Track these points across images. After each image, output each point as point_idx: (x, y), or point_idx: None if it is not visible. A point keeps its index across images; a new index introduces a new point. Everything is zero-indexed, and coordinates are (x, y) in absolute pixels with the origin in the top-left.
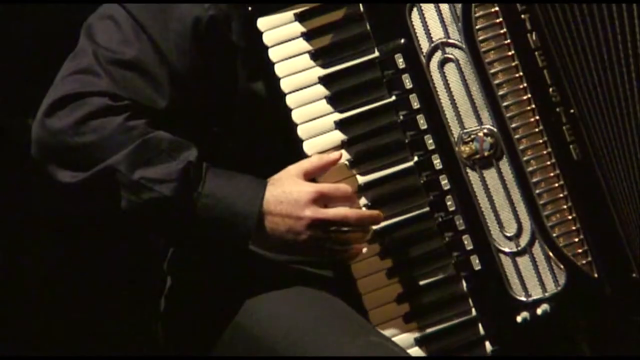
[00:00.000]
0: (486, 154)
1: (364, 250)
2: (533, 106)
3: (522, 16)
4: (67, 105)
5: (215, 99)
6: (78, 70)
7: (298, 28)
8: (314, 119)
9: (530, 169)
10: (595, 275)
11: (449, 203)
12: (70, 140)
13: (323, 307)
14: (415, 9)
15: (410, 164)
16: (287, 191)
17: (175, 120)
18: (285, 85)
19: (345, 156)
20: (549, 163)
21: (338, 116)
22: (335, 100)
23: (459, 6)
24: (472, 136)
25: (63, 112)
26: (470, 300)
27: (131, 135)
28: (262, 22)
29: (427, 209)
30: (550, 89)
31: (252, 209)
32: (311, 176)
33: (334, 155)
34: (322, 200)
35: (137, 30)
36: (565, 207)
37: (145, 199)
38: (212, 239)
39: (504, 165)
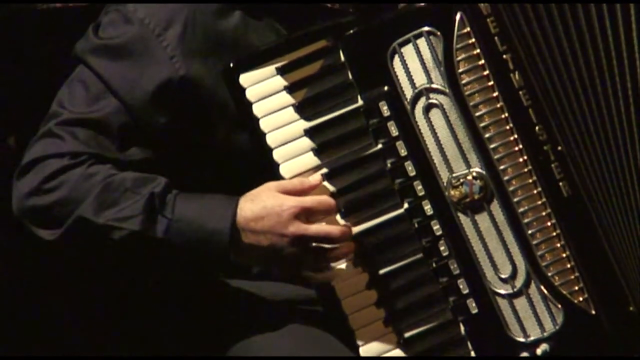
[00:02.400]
0: (476, 197)
1: (344, 267)
2: (520, 146)
3: (504, 56)
4: (31, 170)
5: (190, 153)
6: (44, 134)
7: (280, 82)
8: (302, 172)
9: (522, 209)
10: (593, 311)
11: (442, 248)
12: (38, 201)
13: (316, 345)
14: (396, 56)
15: (401, 211)
16: (269, 206)
17: (145, 167)
18: (271, 140)
19: (338, 222)
20: (539, 202)
21: (325, 169)
22: (322, 152)
23: (440, 51)
24: (461, 180)
25: (28, 176)
26: (469, 344)
27: (94, 182)
28: (245, 78)
29: (420, 255)
30: (537, 128)
31: (224, 225)
32: (289, 194)
33: (315, 180)
34: (304, 214)
35: (105, 91)
36: (558, 245)
37: (117, 238)
38: (193, 261)
39: (495, 207)
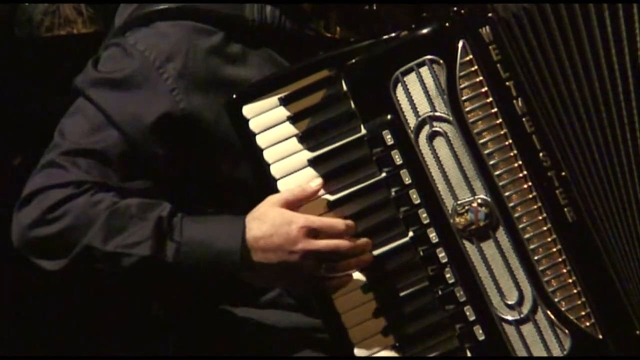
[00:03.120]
0: (482, 224)
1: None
2: (525, 172)
3: (507, 83)
4: (32, 200)
5: (193, 184)
6: (46, 164)
7: (283, 112)
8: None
9: (527, 235)
10: (600, 336)
11: (448, 275)
12: (42, 232)
13: None
14: (399, 85)
15: (406, 239)
16: (277, 224)
17: (148, 195)
18: (275, 170)
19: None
20: (545, 228)
21: (330, 197)
22: (327, 182)
23: (443, 79)
24: (467, 207)
25: (30, 207)
26: None
27: (99, 209)
28: (248, 109)
29: (426, 283)
30: (540, 154)
31: (234, 244)
32: (293, 207)
33: (316, 185)
34: (313, 232)
35: (106, 122)
36: (564, 270)
37: (127, 265)
38: (204, 281)
39: (500, 233)
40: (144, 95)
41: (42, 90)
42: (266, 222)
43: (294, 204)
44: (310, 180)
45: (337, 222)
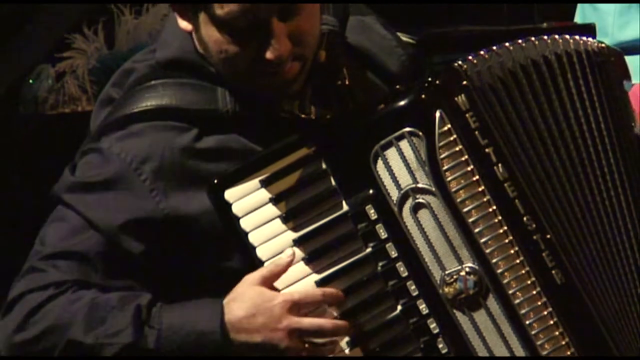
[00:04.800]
0: (471, 292)
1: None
2: (510, 238)
3: (486, 150)
4: (14, 306)
5: (178, 277)
6: (26, 270)
7: (265, 194)
8: (295, 282)
9: (517, 300)
10: None
11: (440, 346)
12: (26, 335)
13: None
14: (379, 159)
15: (397, 312)
16: (258, 303)
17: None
18: (261, 252)
19: (331, 313)
20: (534, 292)
21: (317, 277)
22: (313, 261)
23: (423, 150)
24: (455, 277)
25: (12, 313)
26: None
27: (80, 305)
28: (230, 194)
29: (419, 354)
30: (525, 218)
31: (214, 324)
32: (270, 283)
33: (288, 256)
34: (295, 306)
35: (85, 225)
36: (557, 333)
37: (111, 354)
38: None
39: (491, 300)
40: (123, 197)
41: (46, 168)
42: (246, 301)
43: (271, 280)
44: (297, 260)
45: (315, 292)
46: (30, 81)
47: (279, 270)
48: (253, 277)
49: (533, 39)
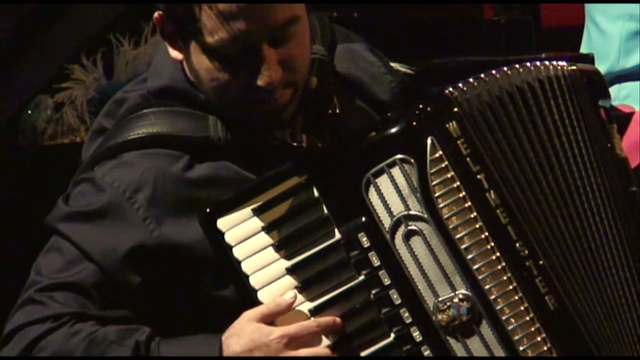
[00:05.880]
0: (464, 319)
1: None
2: (503, 264)
3: (478, 176)
4: (12, 339)
5: (174, 306)
6: (23, 302)
7: (258, 223)
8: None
9: (511, 327)
10: None
11: None
12: None
13: None
14: (371, 186)
15: (390, 339)
16: (256, 339)
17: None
18: (254, 281)
19: (324, 342)
20: (527, 318)
21: (311, 305)
22: (306, 289)
23: (415, 177)
24: (448, 303)
25: (9, 346)
26: None
27: (78, 339)
28: (222, 223)
29: None
30: (517, 244)
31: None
32: (269, 320)
33: (290, 298)
34: (293, 343)
35: (80, 255)
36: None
37: None
38: None
39: (484, 327)
40: (117, 226)
41: (45, 198)
42: (244, 337)
43: (270, 318)
44: (290, 288)
45: (310, 324)
46: (29, 112)
47: (279, 310)
48: (252, 314)
49: (517, 66)
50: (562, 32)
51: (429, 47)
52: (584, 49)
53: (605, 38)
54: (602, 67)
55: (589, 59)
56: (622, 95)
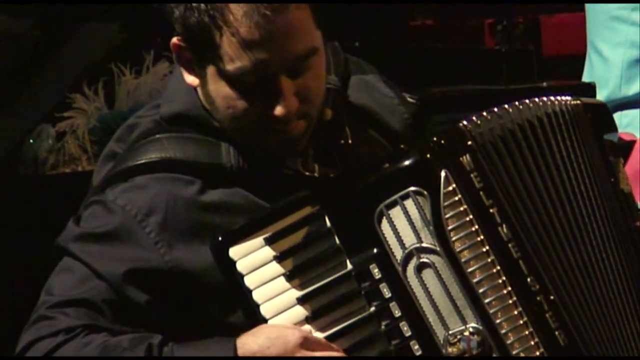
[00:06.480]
0: (475, 352)
1: None
2: (514, 298)
3: (491, 210)
4: (25, 354)
5: (183, 329)
6: (35, 319)
7: (269, 252)
8: None
9: None
10: None
11: None
12: None
13: None
14: (384, 218)
15: None
16: (273, 337)
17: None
18: (265, 310)
19: None
20: (537, 353)
21: (321, 335)
22: (317, 319)
23: (428, 210)
24: (458, 337)
25: None
26: None
27: (91, 348)
28: (234, 251)
29: None
30: (528, 279)
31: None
32: None
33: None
34: (307, 344)
35: (90, 274)
36: None
37: None
38: None
39: None
40: (128, 248)
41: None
42: (261, 336)
43: None
44: (301, 318)
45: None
46: (31, 141)
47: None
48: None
49: (527, 101)
50: (564, 60)
51: (431, 76)
52: (585, 77)
53: (607, 65)
54: (603, 94)
55: (590, 87)
56: (624, 123)
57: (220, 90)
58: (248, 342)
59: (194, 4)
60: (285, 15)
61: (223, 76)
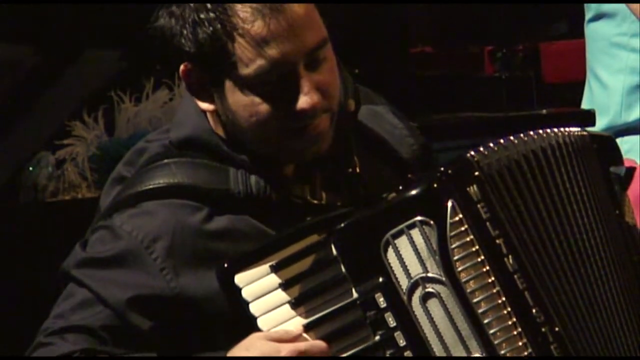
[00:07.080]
0: None
1: None
2: (519, 329)
3: (497, 241)
4: None
5: (184, 354)
6: (35, 346)
7: (275, 279)
8: None
9: None
10: None
11: None
12: None
13: None
14: (390, 247)
15: None
16: (266, 352)
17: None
18: None
19: None
20: None
21: None
22: None
23: (434, 240)
24: None
25: None
26: None
27: None
28: (240, 278)
29: None
30: (534, 310)
31: None
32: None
33: (298, 330)
34: (301, 355)
35: (93, 299)
36: None
37: None
38: None
39: None
40: (133, 274)
41: (46, 256)
42: (254, 351)
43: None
44: None
45: (319, 343)
46: (30, 168)
47: (288, 338)
48: (261, 334)
49: (533, 132)
50: (563, 87)
51: (430, 103)
52: (585, 103)
53: (607, 91)
54: (603, 120)
55: (590, 114)
56: (625, 150)
57: (240, 100)
58: (240, 354)
59: (202, 15)
60: (293, 7)
61: (242, 84)
